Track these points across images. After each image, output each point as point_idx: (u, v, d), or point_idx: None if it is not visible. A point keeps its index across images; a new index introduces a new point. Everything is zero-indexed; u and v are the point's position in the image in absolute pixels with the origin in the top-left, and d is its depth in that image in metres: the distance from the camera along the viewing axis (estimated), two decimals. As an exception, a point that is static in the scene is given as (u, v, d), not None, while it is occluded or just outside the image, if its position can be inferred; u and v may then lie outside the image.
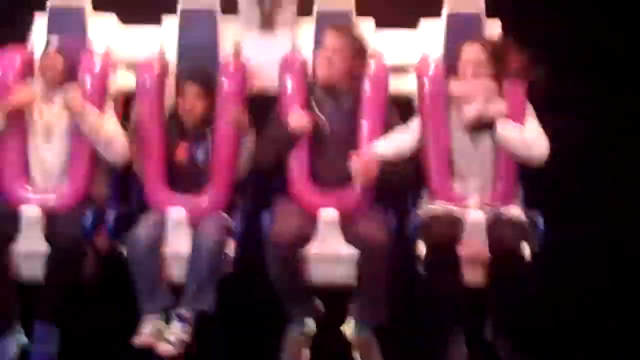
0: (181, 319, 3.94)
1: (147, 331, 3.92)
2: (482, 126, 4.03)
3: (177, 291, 4.01)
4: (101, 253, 4.08)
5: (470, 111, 4.01)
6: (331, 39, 4.11)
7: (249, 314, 4.29)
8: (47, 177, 4.12)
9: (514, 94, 4.10)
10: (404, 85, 4.42)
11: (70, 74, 4.20)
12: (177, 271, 4.00)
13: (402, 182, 4.11)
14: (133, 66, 4.40)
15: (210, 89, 4.22)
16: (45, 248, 3.97)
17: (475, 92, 4.04)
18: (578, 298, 4.42)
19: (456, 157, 4.09)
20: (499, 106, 4.04)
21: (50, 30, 4.43)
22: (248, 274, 4.10)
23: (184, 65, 4.42)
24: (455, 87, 4.09)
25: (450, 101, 4.13)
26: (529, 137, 4.02)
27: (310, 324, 4.01)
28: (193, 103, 4.19)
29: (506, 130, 4.01)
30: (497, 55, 4.07)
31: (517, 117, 4.05)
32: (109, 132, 4.10)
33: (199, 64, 4.35)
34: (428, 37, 4.52)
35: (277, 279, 3.91)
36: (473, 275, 3.88)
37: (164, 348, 3.89)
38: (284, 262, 3.89)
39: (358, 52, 4.14)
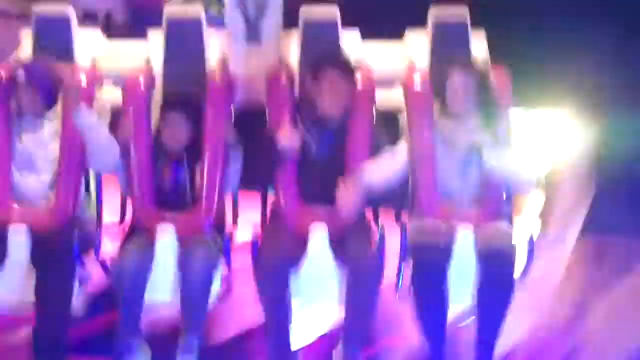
0: (185, 350, 3.90)
1: None
2: (470, 155, 4.06)
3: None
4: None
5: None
6: (335, 81, 4.08)
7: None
8: (31, 204, 4.08)
9: (500, 114, 4.12)
10: (391, 97, 4.42)
11: (48, 99, 4.14)
12: (165, 292, 3.99)
13: (389, 203, 4.14)
14: (119, 81, 4.39)
15: (192, 112, 4.18)
16: (31, 272, 3.93)
17: (459, 130, 4.07)
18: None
19: (443, 174, 4.10)
20: (483, 135, 4.06)
21: (36, 45, 4.42)
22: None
23: (168, 81, 4.39)
24: (442, 125, 4.12)
25: (437, 116, 4.14)
26: (514, 168, 4.03)
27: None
28: (176, 130, 4.16)
29: (492, 160, 4.02)
30: (483, 82, 4.08)
31: (502, 138, 4.07)
32: (106, 134, 4.09)
33: (183, 82, 4.32)
34: (414, 48, 4.52)
35: (266, 300, 3.90)
36: None
37: None
38: (273, 282, 3.88)
39: (353, 82, 4.15)
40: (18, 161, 4.10)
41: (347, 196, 3.98)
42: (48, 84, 4.13)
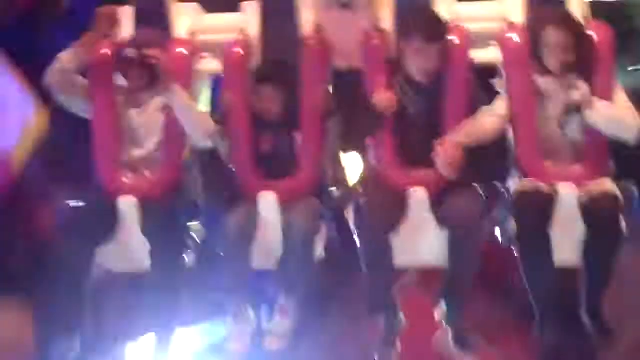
0: (283, 310, 4.02)
1: (239, 333, 4.01)
2: (570, 112, 4.00)
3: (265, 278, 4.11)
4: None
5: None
6: (425, 43, 4.07)
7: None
8: (138, 176, 4.18)
9: (601, 70, 4.04)
10: (488, 56, 4.38)
11: (152, 74, 4.21)
12: (269, 258, 4.08)
13: (490, 164, 4.11)
14: (217, 52, 4.47)
15: (289, 79, 4.24)
16: (144, 239, 4.05)
17: (557, 87, 4.02)
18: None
19: (544, 132, 4.05)
20: (583, 91, 3.99)
21: (134, 23, 4.54)
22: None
23: (265, 50, 4.45)
24: (540, 83, 4.07)
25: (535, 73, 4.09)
26: (618, 118, 3.96)
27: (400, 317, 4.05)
28: (268, 104, 4.24)
29: (593, 115, 3.97)
30: (581, 38, 4.01)
31: (604, 94, 3.99)
32: (198, 112, 4.18)
33: (279, 51, 4.38)
34: (510, 6, 4.46)
35: (368, 261, 3.95)
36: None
37: (271, 342, 3.98)
38: (375, 244, 3.93)
39: (445, 43, 4.13)
40: (125, 135, 4.22)
41: (446, 156, 3.97)
42: (151, 60, 4.21)
